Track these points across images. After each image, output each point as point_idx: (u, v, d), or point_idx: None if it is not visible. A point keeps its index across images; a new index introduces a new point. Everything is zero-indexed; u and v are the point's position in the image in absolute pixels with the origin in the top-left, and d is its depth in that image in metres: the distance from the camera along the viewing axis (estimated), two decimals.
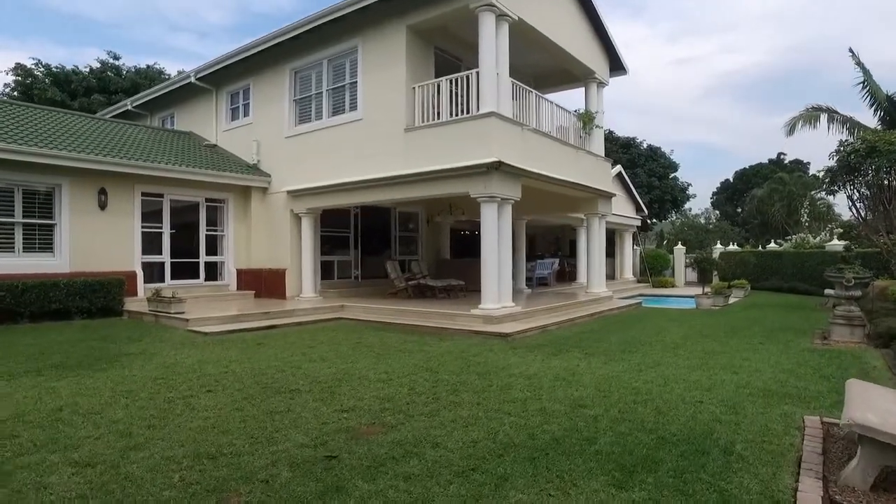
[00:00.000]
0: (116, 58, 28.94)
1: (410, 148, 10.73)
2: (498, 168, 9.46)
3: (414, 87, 10.88)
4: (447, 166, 9.93)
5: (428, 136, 10.51)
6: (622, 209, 22.52)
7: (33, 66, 26.67)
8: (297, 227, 13.08)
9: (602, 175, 13.81)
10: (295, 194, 13.02)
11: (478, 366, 6.51)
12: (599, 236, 14.01)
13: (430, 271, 16.92)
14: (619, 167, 22.32)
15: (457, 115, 10.25)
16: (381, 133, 11.30)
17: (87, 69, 28.32)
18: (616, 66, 14.72)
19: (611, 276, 23.53)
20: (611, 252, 24.37)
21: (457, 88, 10.34)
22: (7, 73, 26.28)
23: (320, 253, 13.94)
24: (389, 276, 13.35)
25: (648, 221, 29.04)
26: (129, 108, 17.84)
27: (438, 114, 10.60)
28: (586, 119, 13.37)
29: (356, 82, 11.88)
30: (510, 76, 10.36)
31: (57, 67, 27.34)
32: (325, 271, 14.28)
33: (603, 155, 14.05)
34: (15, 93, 26.27)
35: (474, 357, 7.08)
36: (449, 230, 17.85)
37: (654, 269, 23.79)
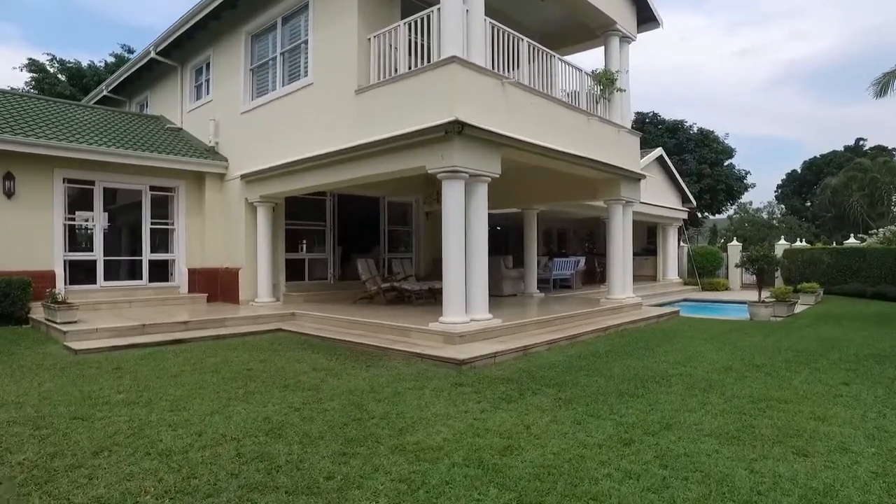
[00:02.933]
0: (130, 51, 28.25)
1: (362, 114, 8.42)
2: (461, 132, 6.99)
3: (370, 39, 8.56)
4: (397, 132, 7.55)
5: (381, 98, 8.16)
6: (665, 199, 19.35)
7: (46, 62, 26.31)
8: (253, 220, 11.05)
9: (626, 151, 10.99)
10: (248, 179, 11.00)
11: (362, 423, 4.09)
12: (624, 229, 11.19)
13: (425, 272, 14.58)
14: (659, 150, 19.15)
15: (416, 66, 7.84)
16: (330, 98, 9.06)
17: (102, 64, 27.79)
18: (646, 18, 11.84)
19: (652, 277, 20.44)
20: (653, 250, 21.21)
21: (419, 37, 7.92)
22: (21, 70, 26.04)
23: (285, 250, 11.89)
24: (361, 278, 11.10)
25: (698, 215, 25.46)
26: (106, 93, 16.49)
27: (396, 69, 8.23)
28: (604, 80, 10.60)
29: (308, 40, 9.69)
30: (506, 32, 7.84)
31: (71, 63, 26.90)
32: (295, 272, 12.21)
33: (628, 126, 11.22)
34: (33, 90, 25.97)
35: (380, 402, 4.67)
36: None
37: (703, 270, 20.42)
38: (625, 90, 10.97)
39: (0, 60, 50.65)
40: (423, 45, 7.92)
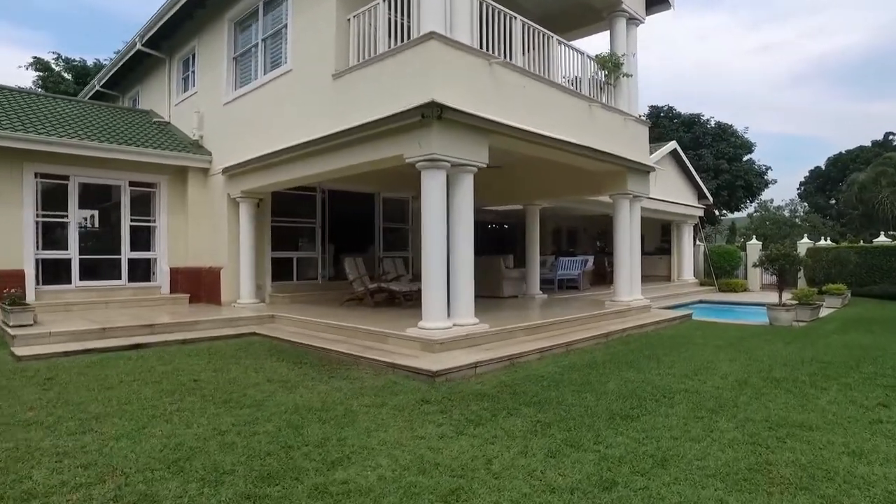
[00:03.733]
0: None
1: (339, 100, 7.75)
2: (440, 116, 6.26)
3: (349, 20, 7.89)
4: (371, 118, 6.85)
5: (358, 83, 7.48)
6: (679, 195, 18.39)
7: (52, 61, 26.22)
8: (236, 216, 10.46)
9: (633, 141, 10.16)
10: (230, 174, 10.42)
11: (290, 453, 3.39)
12: (631, 225, 10.37)
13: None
14: (672, 143, 18.19)
15: (395, 45, 7.14)
16: (309, 85, 8.42)
17: (108, 62, 27.61)
18: None
19: (666, 277, 19.49)
20: (667, 249, 20.25)
21: (399, 16, 7.22)
22: (27, 69, 25.97)
23: (272, 249, 11.31)
24: (348, 278, 10.44)
25: (715, 212, 24.35)
26: (98, 88, 16.12)
27: (376, 51, 7.54)
28: (609, 63, 9.78)
29: (287, 24, 9.06)
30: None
31: (76, 61, 26.79)
32: (283, 271, 11.62)
33: (636, 114, 10.36)
34: (39, 88, 25.89)
35: (324, 424, 3.98)
36: None
37: (720, 270, 19.39)
38: (632, 75, 10.13)
39: (10, 61, 51.18)
40: (404, 25, 7.22)
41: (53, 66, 26.11)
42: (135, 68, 14.56)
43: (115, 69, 14.57)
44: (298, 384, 5.22)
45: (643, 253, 20.53)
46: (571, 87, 8.92)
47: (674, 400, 4.73)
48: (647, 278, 19.41)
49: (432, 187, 6.53)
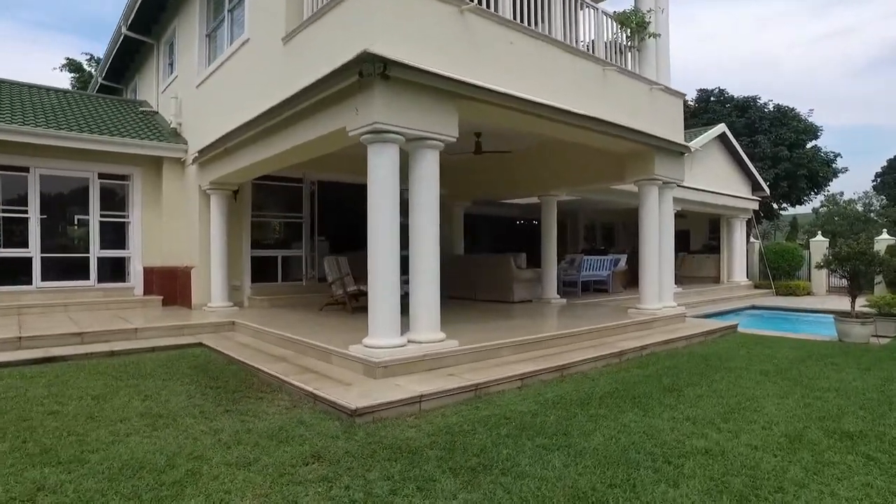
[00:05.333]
0: None
1: (289, 67, 6.46)
2: (384, 73, 4.84)
3: None
4: (306, 83, 5.52)
5: (304, 44, 6.16)
6: (729, 186, 16.17)
7: (84, 62, 26.52)
8: (207, 210, 9.42)
9: (662, 114, 8.38)
10: (199, 162, 9.40)
11: None
12: (661, 218, 8.60)
13: None
14: (721, 126, 15.96)
15: None
16: (263, 53, 7.20)
17: None
18: None
19: (715, 278, 17.29)
20: (715, 247, 18.01)
21: None
22: (60, 70, 26.38)
23: (251, 246, 10.24)
24: (327, 279, 9.19)
25: (773, 206, 21.67)
26: (102, 81, 15.64)
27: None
28: (632, 23, 8.07)
29: None
30: None
31: None
32: (267, 271, 10.54)
33: (664, 84, 8.55)
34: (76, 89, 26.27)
35: (129, 501, 2.67)
36: (462, 217, 13.26)
37: (778, 271, 17.00)
38: (660, 35, 8.36)
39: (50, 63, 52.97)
40: None
41: (85, 66, 26.39)
42: (133, 57, 13.93)
43: (111, 59, 13.94)
44: (176, 421, 3.95)
45: (688, 251, 18.48)
46: (579, 47, 7.26)
47: (682, 471, 3.14)
48: (692, 280, 17.33)
49: (378, 166, 5.12)
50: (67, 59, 26.12)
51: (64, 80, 27.72)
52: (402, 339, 5.18)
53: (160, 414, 4.13)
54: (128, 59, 14.05)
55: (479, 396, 4.75)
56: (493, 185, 11.76)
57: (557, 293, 11.03)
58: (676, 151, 8.65)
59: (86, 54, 30.01)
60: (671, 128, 8.50)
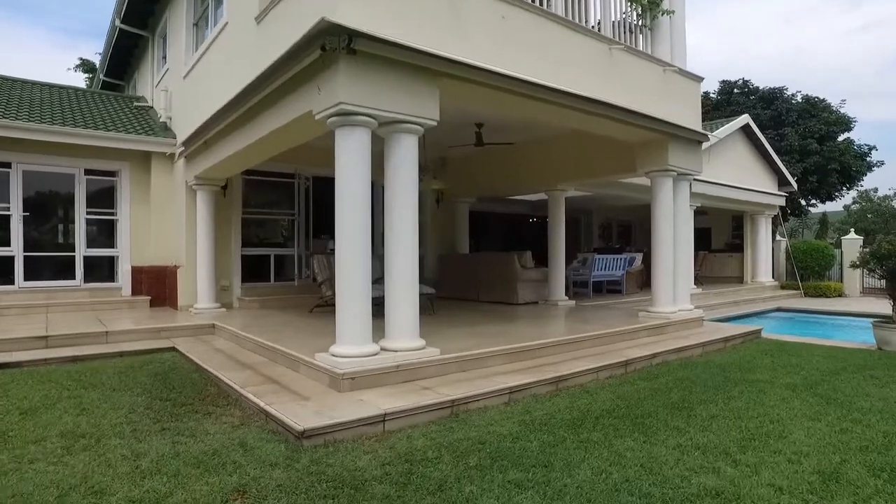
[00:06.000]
0: None
1: (259, 48, 5.93)
2: (350, 47, 4.27)
3: None
4: (270, 62, 4.98)
5: (272, 22, 5.63)
6: (754, 180, 15.24)
7: (98, 62, 26.60)
8: (194, 207, 8.99)
9: (676, 99, 7.65)
10: (184, 156, 8.98)
11: None
12: (675, 213, 7.88)
13: (433, 272, 11.97)
14: (744, 117, 15.03)
15: None
16: (239, 36, 6.71)
17: None
18: None
19: (738, 278, 16.37)
20: (738, 245, 17.08)
21: None
22: (75, 70, 26.52)
23: (241, 244, 9.81)
24: (316, 280, 8.68)
25: (801, 202, 20.53)
26: (103, 78, 15.42)
27: None
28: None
29: None
30: None
31: None
32: (259, 271, 10.10)
33: (678, 66, 7.81)
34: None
35: None
36: (467, 214, 12.64)
37: (807, 270, 16.00)
38: (674, 12, 7.63)
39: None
40: None
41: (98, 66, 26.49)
42: (132, 52, 13.62)
43: (109, 55, 13.68)
44: (99, 442, 3.45)
45: (709, 250, 17.54)
46: (582, 24, 6.59)
47: None
48: (713, 280, 16.42)
49: (345, 153, 4.55)
50: (81, 59, 26.25)
51: (78, 80, 27.93)
52: (373, 347, 4.61)
53: (85, 433, 3.63)
54: (127, 54, 13.76)
55: (455, 414, 4.14)
56: (497, 181, 11.14)
57: (566, 294, 10.35)
58: (693, 140, 7.91)
59: (99, 54, 30.16)
60: (687, 114, 7.76)
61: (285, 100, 5.25)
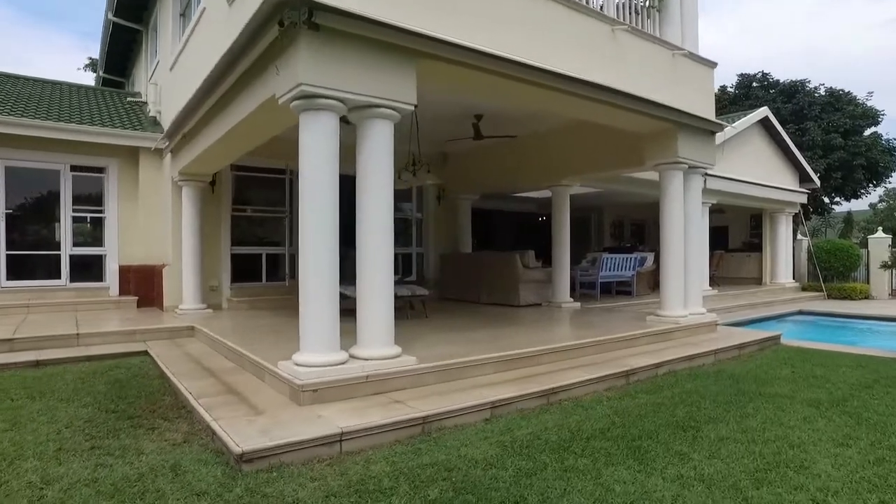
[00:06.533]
0: None
1: (229, 29, 5.50)
2: (312, 21, 3.81)
3: None
4: (229, 42, 4.56)
5: (242, 0, 5.22)
6: (773, 177, 14.51)
7: None
8: (179, 203, 8.65)
9: (687, 85, 7.07)
10: (171, 152, 8.64)
11: None
12: (686, 209, 7.31)
13: (433, 272, 11.52)
14: (763, 110, 14.29)
15: None
16: (214, 21, 6.31)
17: None
18: None
19: (756, 279, 15.63)
20: (757, 244, 16.33)
21: None
22: (84, 70, 26.62)
23: (231, 243, 9.46)
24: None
25: (824, 199, 19.64)
26: (103, 75, 15.22)
27: None
28: None
29: None
30: None
31: None
32: (251, 270, 9.73)
33: (689, 50, 7.22)
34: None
35: None
36: (469, 211, 12.15)
37: (831, 271, 15.19)
38: None
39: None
40: None
41: None
42: (130, 47, 13.39)
43: (106, 50, 13.46)
44: (13, 465, 3.04)
45: (727, 249, 16.77)
46: (582, 3, 6.04)
47: None
48: (729, 281, 15.69)
49: (310, 138, 4.10)
50: (90, 58, 26.29)
51: (88, 79, 28.06)
52: (339, 356, 4.15)
53: (1, 453, 3.23)
54: (126, 50, 13.51)
55: (427, 433, 3.67)
56: (498, 176, 10.62)
57: (571, 296, 9.80)
58: (705, 130, 7.33)
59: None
60: (699, 102, 7.18)
61: (252, 85, 4.83)
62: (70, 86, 11.76)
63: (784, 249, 15.30)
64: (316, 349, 4.09)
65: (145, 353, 6.18)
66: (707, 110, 7.30)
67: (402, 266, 11.72)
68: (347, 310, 4.50)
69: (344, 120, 4.33)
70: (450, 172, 11.64)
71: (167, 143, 8.54)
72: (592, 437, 3.58)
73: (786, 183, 14.99)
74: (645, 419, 3.98)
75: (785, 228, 15.34)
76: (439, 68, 4.71)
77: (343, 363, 4.13)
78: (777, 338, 7.31)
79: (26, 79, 11.27)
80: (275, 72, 4.18)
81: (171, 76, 8.92)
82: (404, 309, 7.88)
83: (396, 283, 8.76)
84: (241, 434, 3.26)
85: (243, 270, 9.58)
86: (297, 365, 4.08)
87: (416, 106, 4.47)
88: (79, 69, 31.95)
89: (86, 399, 4.36)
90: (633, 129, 7.15)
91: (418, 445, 3.44)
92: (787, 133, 15.33)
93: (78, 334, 6.43)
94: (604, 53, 6.07)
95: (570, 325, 7.47)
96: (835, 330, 10.09)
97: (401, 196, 11.51)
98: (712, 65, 7.56)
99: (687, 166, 7.18)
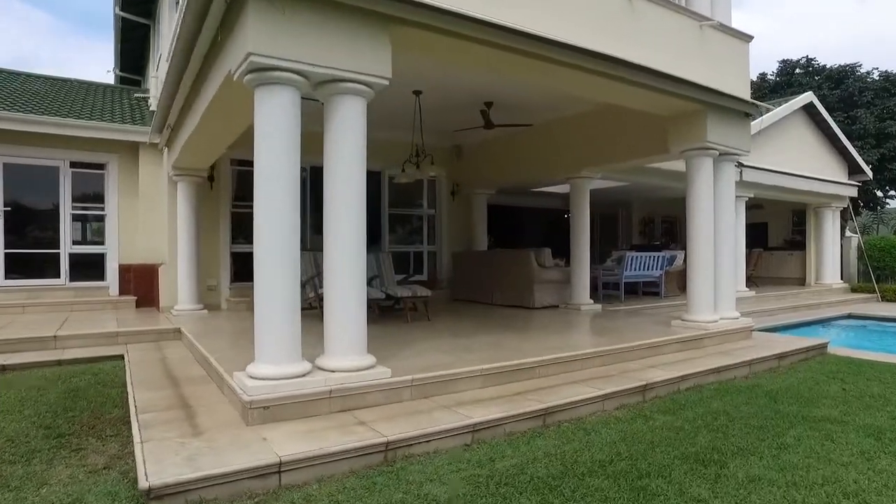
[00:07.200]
0: None
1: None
2: None
3: None
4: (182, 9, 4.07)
5: None
6: (818, 168, 13.34)
7: None
8: (175, 199, 8.33)
9: (716, 60, 6.25)
10: (167, 146, 8.32)
11: None
12: (717, 200, 6.51)
13: (446, 272, 10.96)
14: (808, 95, 13.12)
15: None
16: None
17: None
18: None
19: (799, 280, 14.48)
20: (800, 242, 15.14)
21: None
22: (109, 72, 27.04)
23: (231, 240, 9.10)
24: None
25: (877, 193, 18.13)
26: (118, 73, 15.19)
27: None
28: None
29: None
30: None
31: None
32: (249, 270, 9.20)
33: (719, 21, 6.39)
34: None
35: None
36: (485, 207, 11.50)
37: (885, 271, 13.90)
38: None
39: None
40: None
41: None
42: (142, 44, 13.28)
43: (120, 48, 13.36)
44: None
45: (766, 248, 15.60)
46: None
47: None
48: (769, 281, 14.56)
49: (265, 118, 3.58)
50: None
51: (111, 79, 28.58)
52: (300, 366, 3.61)
53: None
54: (137, 45, 13.41)
55: (390, 462, 3.08)
56: (514, 169, 9.94)
57: (591, 297, 9.05)
58: (738, 111, 6.50)
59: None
60: (730, 79, 6.35)
61: (215, 65, 4.35)
62: (77, 83, 11.66)
63: (830, 247, 14.08)
64: (273, 359, 3.55)
65: (120, 357, 5.79)
66: (740, 89, 6.46)
67: (414, 265, 11.18)
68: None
69: (314, 99, 3.80)
70: (464, 166, 11.03)
71: (159, 137, 8.22)
72: (590, 473, 2.93)
73: (833, 175, 13.77)
74: (657, 448, 3.29)
75: (831, 224, 14.11)
76: (417, 36, 4.11)
77: (303, 375, 3.58)
78: (823, 346, 6.42)
79: (36, 76, 11.22)
80: (237, 47, 3.66)
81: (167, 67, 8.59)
82: (405, 311, 7.33)
83: (399, 282, 8.24)
84: (161, 462, 2.74)
85: (244, 269, 9.18)
86: (251, 377, 3.55)
87: (389, 79, 3.88)
88: (108, 71, 32.88)
89: (28, 411, 3.94)
90: (655, 111, 6.40)
91: (375, 479, 2.85)
92: (834, 121, 14.09)
93: (55, 336, 6.10)
94: (618, 24, 5.35)
95: (584, 330, 6.76)
96: (891, 337, 9.02)
97: (411, 191, 10.97)
98: (747, 38, 6.71)
99: (717, 153, 6.37)
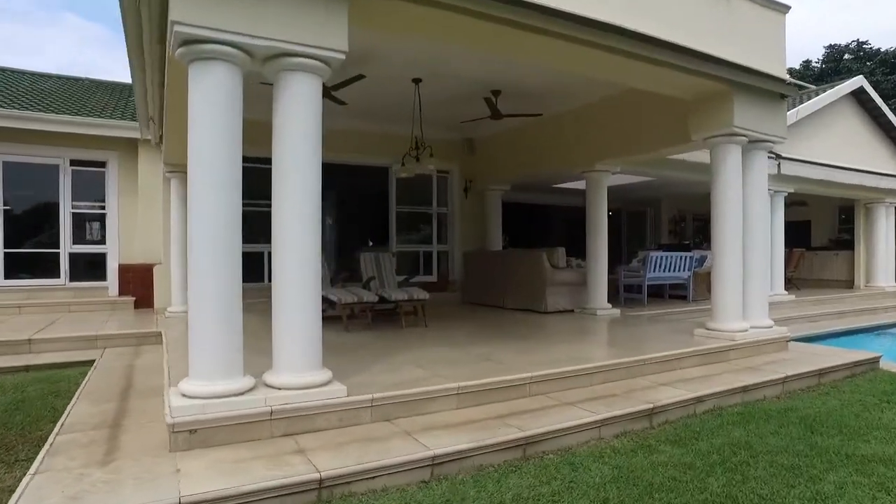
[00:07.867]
0: None
1: None
2: None
3: None
4: None
5: None
6: (869, 160, 12.17)
7: None
8: (168, 197, 8.06)
9: (744, 35, 5.47)
10: (156, 141, 8.05)
11: None
12: (747, 194, 5.74)
13: (457, 273, 10.43)
14: (856, 80, 11.97)
15: None
16: None
17: None
18: None
19: (847, 283, 13.30)
20: (847, 241, 13.93)
21: None
22: None
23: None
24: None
25: None
26: None
27: None
28: None
29: None
30: None
31: None
32: (251, 270, 8.93)
33: None
34: None
35: None
36: (500, 204, 10.88)
37: None
38: None
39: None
40: None
41: None
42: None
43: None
44: None
45: (808, 247, 14.41)
46: None
47: None
48: (812, 283, 13.40)
49: (198, 100, 3.11)
50: None
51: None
52: (239, 383, 3.13)
53: None
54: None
55: (324, 502, 2.56)
56: (527, 163, 9.30)
57: (610, 301, 8.33)
58: (772, 92, 5.70)
59: None
60: (762, 55, 5.56)
61: (163, 42, 3.92)
62: (89, 81, 11.63)
63: (883, 246, 12.84)
64: (206, 374, 3.09)
65: (91, 363, 5.47)
66: (775, 67, 5.67)
67: (424, 265, 10.67)
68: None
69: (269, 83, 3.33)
70: (476, 161, 10.46)
71: (149, 132, 7.95)
72: None
73: (886, 167, 12.54)
74: (656, 494, 2.66)
75: (885, 221, 12.87)
76: (388, 7, 3.58)
77: (241, 394, 3.10)
78: (875, 360, 5.58)
79: (48, 76, 11.23)
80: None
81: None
82: (400, 316, 6.81)
83: (400, 284, 7.72)
84: (40, 502, 2.30)
85: (244, 269, 8.83)
86: (183, 395, 3.09)
87: (345, 53, 3.37)
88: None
89: None
90: (677, 93, 5.69)
91: None
92: (889, 109, 12.86)
93: (30, 340, 5.85)
94: None
95: (595, 339, 6.10)
96: None
97: (422, 188, 10.47)
98: (784, 8, 5.90)
99: (746, 139, 5.61)
